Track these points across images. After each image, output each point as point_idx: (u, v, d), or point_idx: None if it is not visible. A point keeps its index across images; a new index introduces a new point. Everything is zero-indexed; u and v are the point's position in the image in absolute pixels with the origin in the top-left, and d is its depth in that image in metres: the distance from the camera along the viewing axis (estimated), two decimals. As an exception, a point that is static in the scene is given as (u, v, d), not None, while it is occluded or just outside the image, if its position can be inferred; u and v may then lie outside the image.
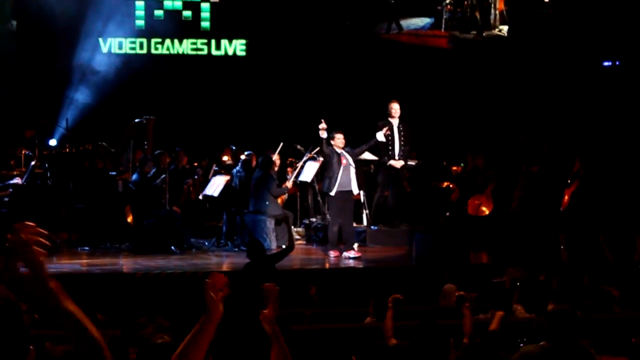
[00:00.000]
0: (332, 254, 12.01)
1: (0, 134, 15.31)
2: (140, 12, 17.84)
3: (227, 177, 12.96)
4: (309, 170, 13.19)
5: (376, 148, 12.98)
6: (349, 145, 12.35)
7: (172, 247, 12.15)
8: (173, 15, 17.96)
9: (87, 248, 12.19)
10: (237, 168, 13.49)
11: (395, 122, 12.94)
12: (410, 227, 13.30)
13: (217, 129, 16.89)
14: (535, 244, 11.77)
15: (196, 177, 14.18)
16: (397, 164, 12.95)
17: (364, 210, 13.62)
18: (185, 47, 18.09)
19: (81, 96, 16.94)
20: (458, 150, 15.93)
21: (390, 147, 12.89)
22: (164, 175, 12.52)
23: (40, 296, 2.60)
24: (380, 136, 12.64)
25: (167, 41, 17.99)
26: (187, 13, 18.05)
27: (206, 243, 13.10)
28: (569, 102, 17.02)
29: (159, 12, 17.89)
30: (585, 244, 11.03)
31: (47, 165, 13.12)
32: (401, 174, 13.25)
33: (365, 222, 13.57)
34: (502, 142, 16.19)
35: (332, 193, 12.06)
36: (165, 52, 18.01)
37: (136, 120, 13.15)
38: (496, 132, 16.87)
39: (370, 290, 8.32)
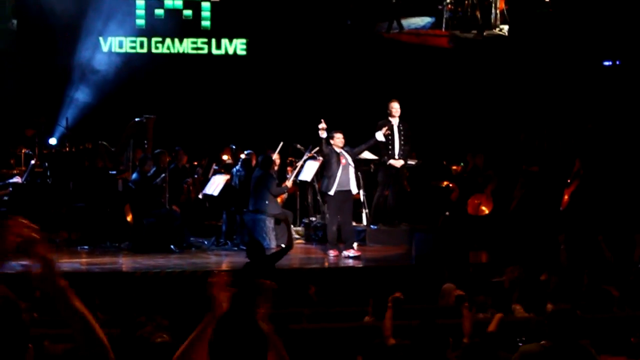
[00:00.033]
0: (332, 253, 12.01)
1: (1, 133, 15.33)
2: (140, 11, 17.85)
3: (227, 176, 12.96)
4: (309, 170, 13.19)
5: (376, 147, 12.98)
6: (349, 145, 12.35)
7: (172, 246, 12.16)
8: (173, 14, 17.97)
9: (86, 247, 12.19)
10: (237, 167, 13.49)
11: (395, 121, 12.94)
12: (410, 226, 13.30)
13: (217, 128, 16.90)
14: (534, 243, 11.77)
15: (196, 176, 14.19)
16: (397, 163, 12.95)
17: (364, 210, 13.62)
18: (186, 46, 18.09)
19: (81, 95, 16.94)
20: (458, 149, 15.94)
21: (390, 147, 12.89)
22: (163, 175, 12.53)
23: (50, 294, 2.61)
24: (379, 136, 12.64)
25: (168, 40, 18.00)
26: (187, 12, 18.05)
27: (206, 242, 13.11)
28: (569, 101, 17.02)
29: (159, 11, 17.89)
30: (584, 244, 11.03)
31: (47, 164, 13.15)
32: (401, 174, 13.25)
33: (365, 222, 13.57)
34: (502, 141, 16.18)
35: (331, 192, 12.06)
36: (165, 51, 18.02)
37: (136, 120, 13.15)
38: (496, 131, 16.87)
39: (370, 289, 8.31)
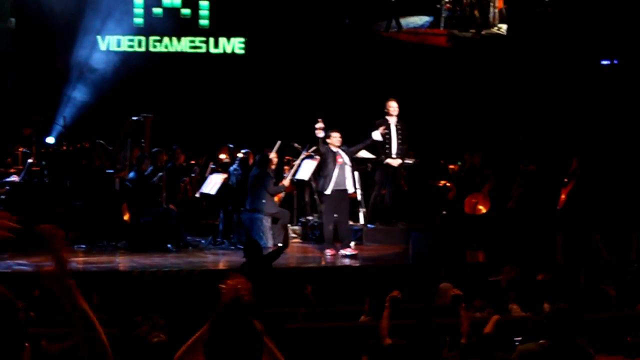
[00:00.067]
0: (329, 252, 12.01)
1: (-2, 132, 15.32)
2: (138, 10, 17.83)
3: (224, 175, 12.97)
4: (306, 169, 13.19)
5: (373, 146, 12.99)
6: (347, 144, 12.35)
7: (169, 245, 12.16)
8: (171, 13, 17.95)
9: (83, 246, 12.19)
10: (234, 166, 13.49)
11: (393, 120, 12.95)
12: (407, 225, 13.31)
13: (214, 127, 16.88)
14: (531, 243, 11.79)
15: (193, 175, 14.18)
16: (395, 162, 12.95)
17: (361, 209, 13.62)
18: (184, 45, 18.07)
19: (79, 94, 16.92)
20: (455, 148, 15.93)
21: (387, 146, 12.89)
22: (161, 173, 12.52)
23: (58, 292, 2.62)
24: (376, 135, 12.64)
25: (166, 39, 17.98)
26: (185, 11, 18.03)
27: (203, 241, 13.11)
28: (567, 100, 17.03)
29: (157, 10, 17.87)
30: (581, 243, 11.04)
31: (44, 162, 13.14)
32: (398, 172, 13.25)
33: (362, 221, 13.57)
34: (500, 140, 16.19)
35: (328, 192, 12.06)
36: (163, 50, 18.00)
37: (134, 118, 13.14)
38: (493, 130, 16.87)
39: (367, 288, 8.32)
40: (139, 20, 17.81)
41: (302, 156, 13.37)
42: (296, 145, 14.25)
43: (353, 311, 7.85)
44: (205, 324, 3.40)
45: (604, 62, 17.82)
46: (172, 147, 13.97)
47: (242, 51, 18.17)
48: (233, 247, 12.56)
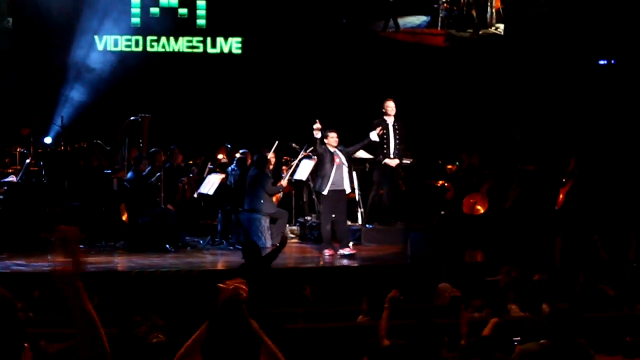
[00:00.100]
0: (327, 252, 12.00)
1: (-4, 132, 15.30)
2: (136, 10, 17.81)
3: (223, 176, 12.96)
4: (304, 169, 13.18)
5: (371, 147, 12.98)
6: (345, 144, 12.34)
7: (167, 246, 12.15)
8: (169, 13, 17.93)
9: (82, 246, 12.06)
10: (233, 166, 13.48)
11: (390, 120, 12.94)
12: (405, 225, 13.30)
13: (212, 127, 16.87)
14: (530, 243, 11.78)
15: (191, 175, 14.17)
16: (393, 162, 12.95)
17: (359, 209, 13.62)
18: (181, 45, 18.05)
19: (77, 94, 16.90)
20: (453, 148, 15.93)
21: (385, 146, 12.89)
22: (159, 174, 12.51)
23: (66, 293, 2.62)
24: (373, 136, 12.63)
25: (163, 39, 17.96)
26: (183, 11, 18.01)
27: (201, 242, 13.10)
28: (565, 100, 17.04)
29: (154, 10, 17.85)
30: (580, 243, 11.04)
31: (42, 163, 13.11)
32: (396, 173, 13.25)
33: (360, 221, 13.57)
34: (498, 140, 16.20)
35: (325, 192, 12.05)
36: (161, 50, 17.97)
37: (132, 119, 13.13)
38: (492, 130, 16.88)
39: (365, 289, 8.31)
40: (136, 20, 17.79)
41: (300, 156, 13.37)
42: (294, 145, 14.25)
43: (352, 311, 7.84)
44: (203, 324, 3.40)
45: (602, 62, 17.83)
46: (170, 148, 13.95)
47: (240, 51, 18.15)
48: (232, 248, 12.55)
